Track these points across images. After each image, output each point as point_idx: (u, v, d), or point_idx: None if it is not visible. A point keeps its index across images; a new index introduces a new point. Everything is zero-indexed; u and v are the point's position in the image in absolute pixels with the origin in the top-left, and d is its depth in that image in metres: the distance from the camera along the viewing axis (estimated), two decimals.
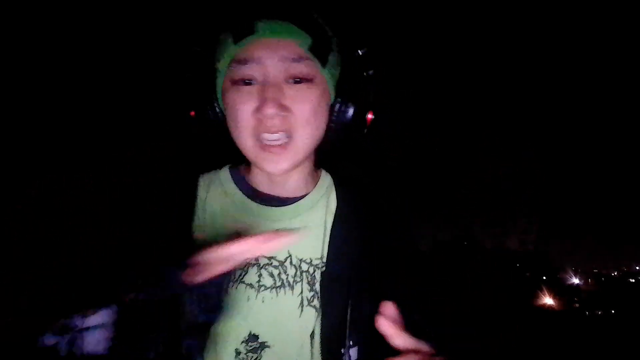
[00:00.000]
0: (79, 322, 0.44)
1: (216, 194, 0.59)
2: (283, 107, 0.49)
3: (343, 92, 0.53)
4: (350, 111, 0.54)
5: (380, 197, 0.61)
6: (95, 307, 0.45)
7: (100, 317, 0.44)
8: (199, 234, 0.55)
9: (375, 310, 0.49)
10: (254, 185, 0.59)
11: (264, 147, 0.51)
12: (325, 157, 0.59)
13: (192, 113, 0.55)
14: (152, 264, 0.48)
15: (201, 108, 0.54)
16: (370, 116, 0.55)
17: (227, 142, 0.56)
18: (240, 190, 0.59)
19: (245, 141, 0.52)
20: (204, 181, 0.61)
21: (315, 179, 0.61)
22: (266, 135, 0.50)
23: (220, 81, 0.54)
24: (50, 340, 0.44)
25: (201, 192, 0.59)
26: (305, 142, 0.52)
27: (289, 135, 0.51)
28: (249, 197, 0.58)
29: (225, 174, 0.61)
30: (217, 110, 0.55)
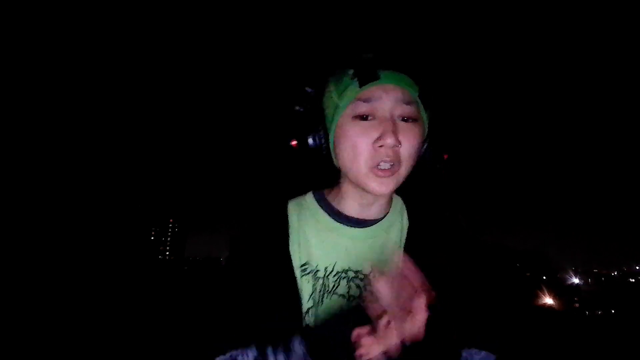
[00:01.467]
0: None
1: (306, 218, 0.65)
2: (398, 140, 0.56)
3: (432, 135, 0.62)
4: (435, 151, 0.62)
5: (442, 218, 0.69)
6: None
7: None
8: (295, 254, 0.62)
9: (446, 325, 0.56)
10: (342, 210, 0.65)
11: (375, 172, 0.57)
12: (413, 182, 0.66)
13: (294, 143, 0.62)
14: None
15: (313, 138, 0.61)
16: (445, 157, 0.64)
17: (320, 170, 0.64)
18: (327, 213, 0.65)
19: (361, 168, 0.58)
20: (293, 207, 0.66)
21: (390, 202, 0.67)
22: (382, 165, 0.57)
23: (337, 116, 0.60)
24: None
25: (292, 217, 0.65)
26: (407, 171, 0.59)
27: (398, 165, 0.57)
28: (335, 219, 0.64)
29: (311, 199, 0.67)
30: (324, 141, 0.61)
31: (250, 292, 0.59)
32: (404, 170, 0.58)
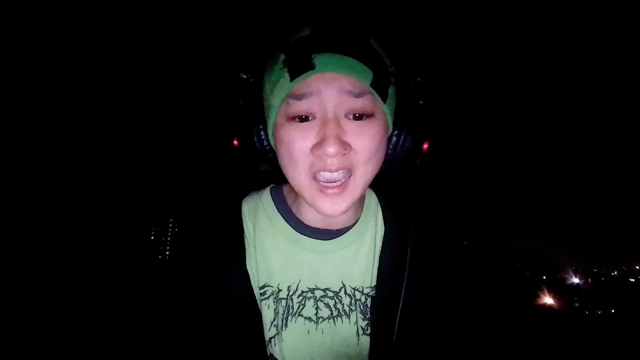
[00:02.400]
0: None
1: (263, 225, 0.55)
2: (344, 145, 0.45)
3: (401, 124, 0.50)
4: (408, 143, 0.51)
5: (422, 222, 0.59)
6: None
7: None
8: (253, 271, 0.54)
9: (424, 335, 0.50)
10: (302, 219, 0.55)
11: (321, 188, 0.47)
12: (386, 181, 0.56)
13: (235, 142, 0.52)
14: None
15: (247, 139, 0.51)
16: (425, 146, 0.52)
17: (269, 170, 0.54)
18: (288, 223, 0.55)
19: (301, 179, 0.48)
20: (247, 209, 0.57)
21: (361, 203, 0.57)
22: (325, 175, 0.46)
23: (272, 117, 0.49)
24: None
25: (248, 226, 0.55)
26: (365, 179, 0.48)
27: (349, 174, 0.47)
28: (298, 231, 0.54)
29: (267, 200, 0.57)
30: (266, 144, 0.51)
31: (200, 318, 0.51)
32: (360, 178, 0.47)
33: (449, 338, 0.51)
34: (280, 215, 0.55)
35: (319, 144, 0.45)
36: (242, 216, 0.55)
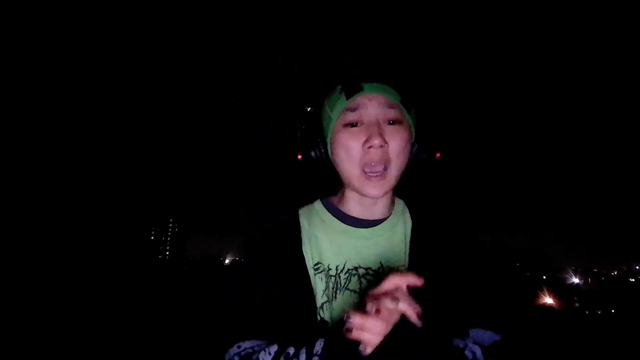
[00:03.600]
0: (267, 359, 0.56)
1: (316, 223, 0.71)
2: (383, 140, 0.62)
3: (420, 136, 0.69)
4: (424, 150, 0.68)
5: (442, 215, 0.74)
6: None
7: None
8: (308, 255, 0.68)
9: (448, 315, 0.61)
10: (347, 212, 0.71)
11: (368, 177, 0.64)
12: (399, 186, 0.71)
13: (300, 156, 0.70)
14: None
15: (314, 151, 0.69)
16: (437, 155, 0.70)
17: (324, 178, 0.72)
18: (335, 217, 0.71)
19: (354, 171, 0.65)
20: (304, 213, 0.73)
21: (392, 204, 0.72)
22: (370, 166, 0.63)
23: (331, 126, 0.67)
24: None
25: (304, 224, 0.71)
26: (397, 171, 0.65)
27: (386, 167, 0.63)
28: (343, 221, 0.70)
29: (319, 205, 0.73)
30: (323, 151, 0.69)
31: (267, 290, 0.64)
32: (394, 170, 0.64)
33: (448, 339, 0.56)
34: (329, 213, 0.71)
35: (367, 140, 0.62)
36: (299, 217, 0.72)
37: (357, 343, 0.50)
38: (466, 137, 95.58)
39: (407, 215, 0.73)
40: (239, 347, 0.59)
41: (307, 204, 0.76)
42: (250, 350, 0.58)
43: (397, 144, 0.64)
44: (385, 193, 0.65)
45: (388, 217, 0.71)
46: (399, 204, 0.73)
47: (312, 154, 0.69)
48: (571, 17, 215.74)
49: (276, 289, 0.64)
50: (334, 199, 0.74)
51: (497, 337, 0.60)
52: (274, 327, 0.60)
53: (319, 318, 0.62)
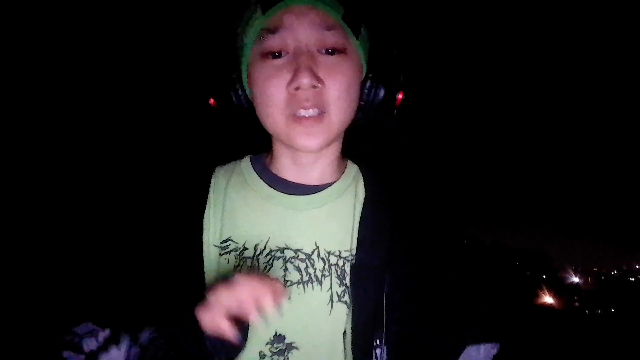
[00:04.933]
0: (92, 346, 0.45)
1: (237, 184, 0.55)
2: (317, 78, 0.46)
3: (375, 67, 0.50)
4: (382, 89, 0.50)
5: (409, 186, 0.57)
6: (112, 338, 0.46)
7: (115, 354, 0.44)
8: (215, 228, 0.52)
9: (408, 307, 0.48)
10: (278, 173, 0.55)
11: (297, 120, 0.47)
12: (352, 144, 0.56)
13: (212, 102, 0.51)
14: (166, 290, 0.47)
15: (224, 93, 0.50)
16: (400, 96, 0.51)
17: (248, 130, 0.53)
18: (262, 179, 0.54)
19: (277, 118, 0.48)
20: (223, 172, 0.57)
21: (341, 168, 0.57)
22: (300, 112, 0.47)
23: (246, 57, 0.49)
24: (68, 355, 0.46)
25: (218, 184, 0.54)
26: (339, 117, 0.48)
27: (323, 111, 0.47)
28: (271, 185, 0.54)
29: (246, 163, 0.57)
30: (241, 93, 0.50)
31: (144, 266, 0.49)
32: (335, 116, 0.47)
33: (447, 339, 0.49)
34: (255, 173, 0.54)
35: (293, 78, 0.45)
36: (213, 176, 0.54)
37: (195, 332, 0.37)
38: (464, 136, 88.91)
39: (361, 184, 0.55)
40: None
41: (234, 160, 0.57)
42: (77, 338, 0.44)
43: (337, 83, 0.46)
44: (324, 144, 0.48)
45: (332, 183, 0.54)
46: (352, 168, 0.57)
47: (228, 97, 0.50)
48: None
49: (155, 268, 0.49)
50: (266, 156, 0.57)
51: (494, 349, 0.48)
52: (148, 320, 0.46)
53: None
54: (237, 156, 0.59)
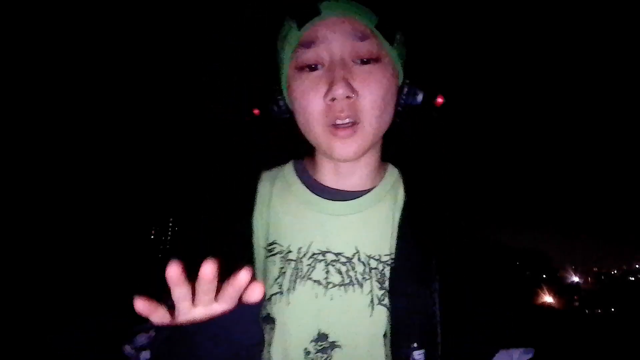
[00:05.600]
0: (142, 341, 0.46)
1: (280, 189, 0.56)
2: (352, 89, 0.46)
3: (411, 72, 0.50)
4: (420, 93, 0.50)
5: (448, 190, 0.58)
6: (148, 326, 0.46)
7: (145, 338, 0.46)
8: (262, 231, 0.54)
9: (447, 311, 0.49)
10: (319, 179, 0.55)
11: (333, 131, 0.48)
12: (393, 149, 0.57)
13: (257, 112, 0.53)
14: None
15: (266, 105, 0.53)
16: (440, 100, 0.51)
17: (292, 137, 0.55)
18: (303, 184, 0.55)
19: (315, 128, 0.49)
20: (268, 177, 0.58)
21: (381, 173, 0.57)
22: (336, 121, 0.47)
23: (285, 71, 0.51)
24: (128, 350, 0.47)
25: (264, 189, 0.56)
26: (373, 126, 0.49)
27: (357, 121, 0.48)
28: (312, 190, 0.54)
29: (289, 168, 0.58)
30: (282, 104, 0.52)
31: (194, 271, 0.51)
32: (369, 126, 0.48)
33: (482, 345, 0.49)
34: (297, 178, 0.56)
35: (328, 90, 0.46)
36: (259, 181, 0.56)
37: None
38: (464, 135, 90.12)
39: (401, 190, 0.55)
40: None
41: (279, 165, 0.59)
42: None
43: (371, 93, 0.47)
44: (360, 152, 0.49)
45: (372, 189, 0.54)
46: (392, 173, 0.57)
47: (270, 108, 0.52)
48: None
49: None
50: (308, 161, 0.57)
51: (528, 354, 0.48)
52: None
53: (264, 313, 0.49)
54: (282, 161, 0.60)
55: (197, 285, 0.36)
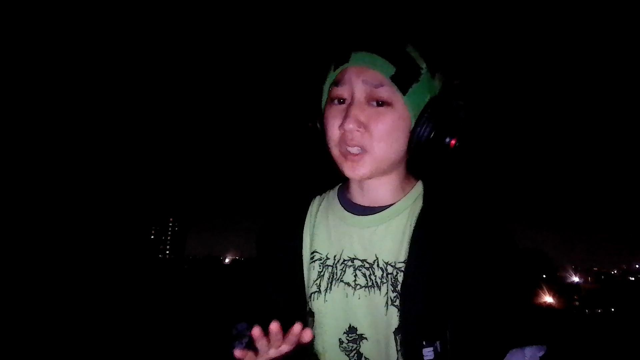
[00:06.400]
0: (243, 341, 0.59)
1: (324, 208, 0.68)
2: (360, 124, 0.56)
3: (421, 118, 0.59)
4: (426, 135, 0.58)
5: (461, 203, 0.65)
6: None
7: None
8: (307, 240, 0.65)
9: (452, 313, 0.55)
10: (351, 198, 0.65)
11: (344, 154, 0.58)
12: (420, 169, 0.65)
13: (310, 125, 0.64)
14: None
15: (307, 124, 0.65)
16: (453, 142, 0.59)
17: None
18: (340, 203, 0.66)
19: (333, 150, 0.59)
20: (318, 199, 0.69)
21: (407, 190, 0.64)
22: (347, 148, 0.57)
23: (324, 101, 0.62)
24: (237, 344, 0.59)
25: (313, 209, 0.68)
26: (381, 155, 0.57)
27: (365, 150, 0.57)
28: (346, 208, 0.65)
29: (334, 191, 0.69)
30: (318, 126, 0.63)
31: (263, 275, 0.65)
32: (378, 154, 0.57)
33: (492, 344, 0.54)
34: (337, 199, 0.66)
35: (342, 122, 0.56)
36: (311, 202, 0.68)
37: None
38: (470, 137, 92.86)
39: (421, 203, 0.62)
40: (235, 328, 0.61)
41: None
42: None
43: (377, 130, 0.56)
44: (369, 174, 0.58)
45: (394, 203, 0.62)
46: (417, 189, 0.64)
47: (312, 129, 0.64)
48: None
49: (270, 276, 0.63)
50: (348, 185, 0.66)
51: (541, 352, 0.52)
52: (266, 312, 0.57)
53: (307, 309, 0.60)
54: (334, 185, 0.71)
55: (269, 336, 0.48)
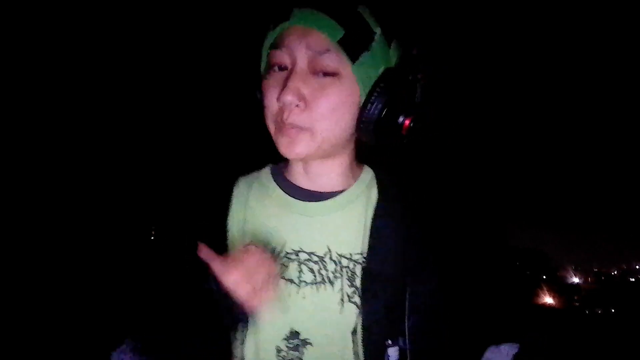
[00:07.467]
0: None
1: (257, 192, 0.59)
2: (301, 97, 0.49)
3: (372, 93, 0.51)
4: (377, 114, 0.51)
5: (422, 191, 0.61)
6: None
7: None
8: (238, 233, 0.57)
9: (417, 308, 0.52)
10: (293, 181, 0.59)
11: (282, 129, 0.50)
12: (366, 152, 0.58)
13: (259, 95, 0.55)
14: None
15: (242, 96, 0.58)
16: (407, 122, 0.52)
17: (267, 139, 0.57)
18: (279, 186, 0.59)
19: (270, 125, 0.53)
20: (245, 181, 0.61)
21: (356, 175, 0.60)
22: (285, 122, 0.51)
23: (262, 68, 0.55)
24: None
25: (241, 193, 0.59)
26: (324, 134, 0.51)
27: (306, 127, 0.50)
28: (287, 193, 0.58)
29: (266, 172, 0.62)
30: (259, 96, 0.55)
31: (171, 275, 0.55)
32: (320, 133, 0.50)
33: (464, 340, 0.51)
34: (273, 181, 0.59)
35: (279, 94, 0.48)
36: (235, 186, 0.58)
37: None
38: (461, 132, 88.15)
39: (374, 190, 0.58)
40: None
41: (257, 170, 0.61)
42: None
43: (319, 105, 0.49)
44: (305, 154, 0.51)
45: (345, 190, 0.57)
46: (367, 174, 0.60)
47: (251, 99, 0.55)
48: None
49: (181, 276, 0.54)
50: (285, 164, 0.61)
51: (514, 349, 0.49)
52: (176, 320, 0.50)
53: None
54: (259, 166, 0.63)
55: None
